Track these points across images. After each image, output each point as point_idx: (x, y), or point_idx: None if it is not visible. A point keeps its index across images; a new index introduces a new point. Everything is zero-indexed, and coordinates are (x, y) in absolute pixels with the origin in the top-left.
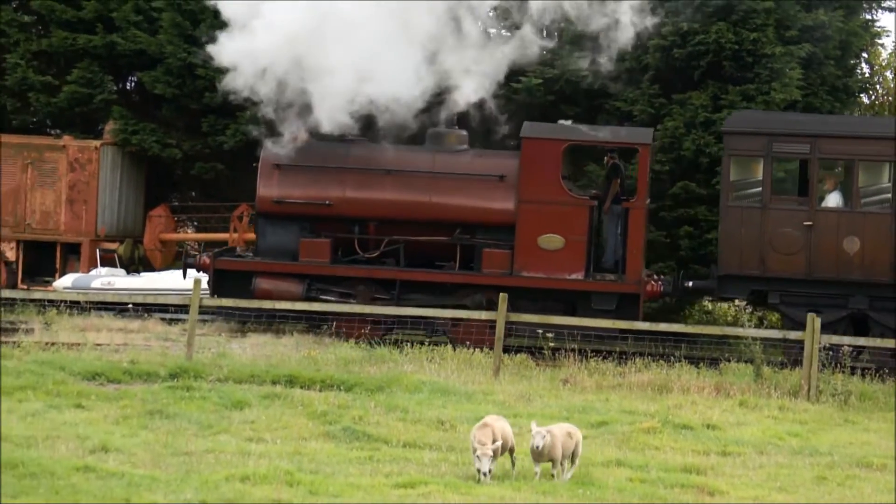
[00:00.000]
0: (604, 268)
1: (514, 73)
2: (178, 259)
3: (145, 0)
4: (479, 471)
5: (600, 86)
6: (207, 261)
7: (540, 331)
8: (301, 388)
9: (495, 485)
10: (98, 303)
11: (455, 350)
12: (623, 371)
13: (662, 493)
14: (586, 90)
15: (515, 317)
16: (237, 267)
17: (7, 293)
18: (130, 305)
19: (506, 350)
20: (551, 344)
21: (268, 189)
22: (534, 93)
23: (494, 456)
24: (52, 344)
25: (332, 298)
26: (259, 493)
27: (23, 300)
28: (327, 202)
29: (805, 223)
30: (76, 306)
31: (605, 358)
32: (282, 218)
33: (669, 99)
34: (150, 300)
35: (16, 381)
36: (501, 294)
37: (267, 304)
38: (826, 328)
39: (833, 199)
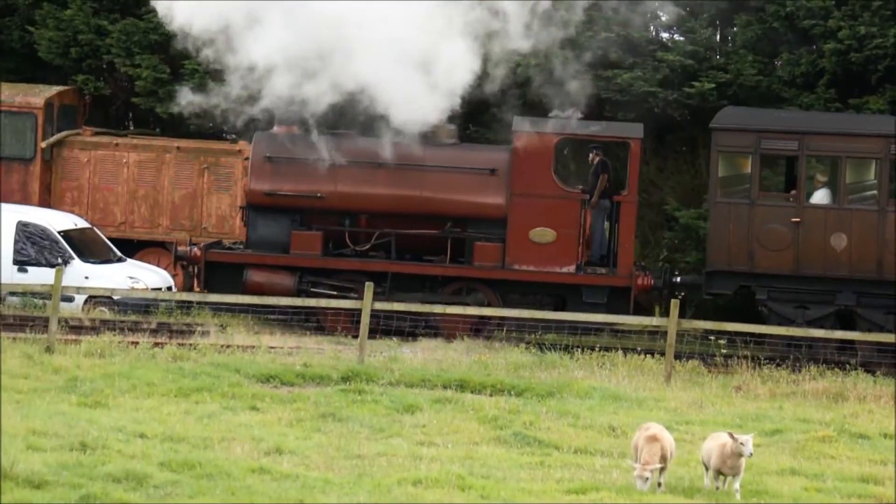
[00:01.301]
0: (591, 262)
1: (688, 77)
2: None
3: None
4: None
5: (774, 90)
6: (199, 253)
7: (712, 337)
8: (472, 392)
9: (667, 493)
10: (271, 306)
11: (626, 356)
12: (797, 379)
13: (839, 503)
14: (760, 95)
15: (688, 324)
16: (228, 259)
17: (184, 296)
18: (302, 309)
19: (677, 356)
20: (723, 350)
21: (259, 182)
22: (707, 98)
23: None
24: (228, 347)
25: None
26: (431, 496)
27: (199, 303)
28: (319, 195)
29: (793, 219)
30: (251, 309)
31: (778, 365)
32: (273, 210)
33: (846, 104)
34: (322, 304)
35: (192, 382)
36: (673, 301)
37: (437, 310)
38: (813, 324)
39: (820, 196)
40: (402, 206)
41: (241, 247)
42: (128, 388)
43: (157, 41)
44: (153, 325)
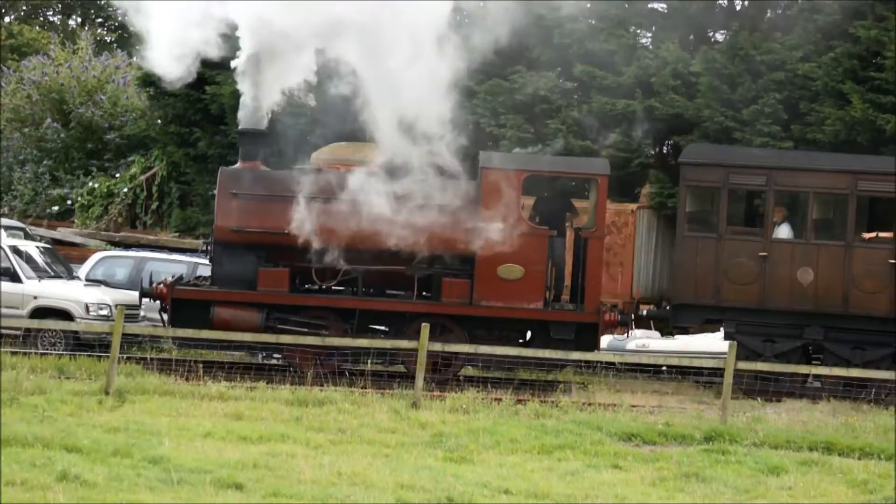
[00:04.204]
0: (558, 297)
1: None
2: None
3: (684, 65)
4: None
5: None
6: (164, 290)
7: None
8: (839, 455)
9: None
10: (633, 364)
11: None
12: None
13: None
14: None
15: None
16: (195, 296)
17: (549, 353)
18: (665, 368)
19: None
20: None
21: (225, 218)
22: None
23: None
24: (590, 404)
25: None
26: None
27: (560, 361)
28: (285, 231)
29: (760, 254)
30: (612, 367)
31: None
32: (239, 247)
33: None
34: (684, 363)
35: (555, 440)
36: None
37: (789, 369)
38: (780, 357)
39: (782, 232)
40: (369, 242)
41: (207, 283)
42: (491, 444)
43: (522, 101)
44: (515, 383)
